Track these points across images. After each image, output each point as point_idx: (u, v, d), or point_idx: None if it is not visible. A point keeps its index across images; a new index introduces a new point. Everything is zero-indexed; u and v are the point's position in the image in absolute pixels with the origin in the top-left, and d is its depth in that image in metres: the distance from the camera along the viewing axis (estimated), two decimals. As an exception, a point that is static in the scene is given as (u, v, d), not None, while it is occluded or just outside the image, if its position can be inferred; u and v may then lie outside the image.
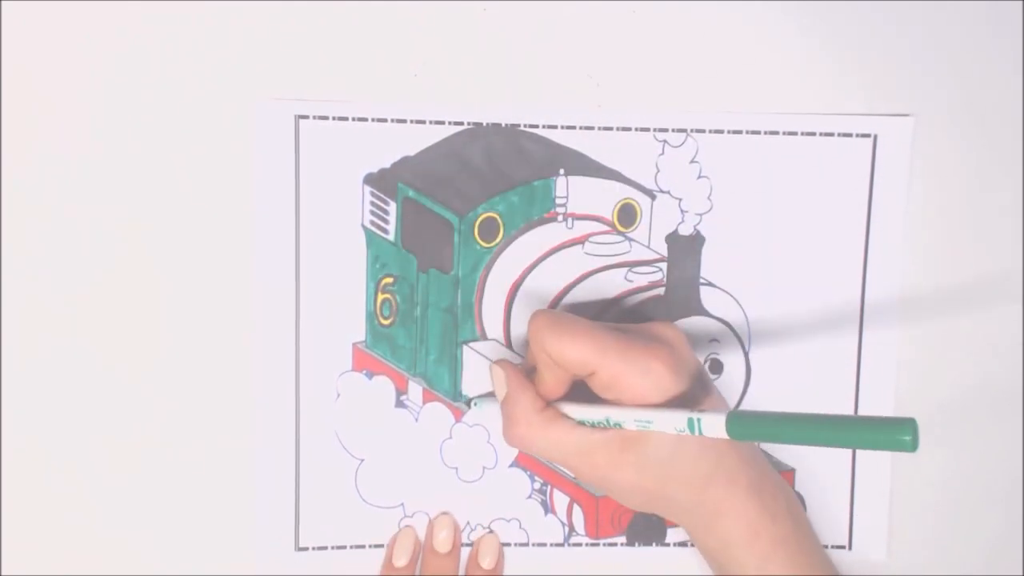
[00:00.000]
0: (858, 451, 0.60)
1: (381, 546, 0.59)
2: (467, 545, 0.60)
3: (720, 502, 0.52)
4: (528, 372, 0.54)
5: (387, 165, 0.56)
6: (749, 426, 0.46)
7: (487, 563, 0.59)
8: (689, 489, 0.51)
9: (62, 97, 0.55)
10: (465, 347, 0.58)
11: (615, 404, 0.50)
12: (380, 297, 0.58)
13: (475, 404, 0.58)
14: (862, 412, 0.60)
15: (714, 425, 0.47)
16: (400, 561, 0.58)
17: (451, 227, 0.57)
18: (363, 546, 0.59)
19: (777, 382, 0.59)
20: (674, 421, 0.48)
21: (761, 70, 0.57)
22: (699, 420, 0.47)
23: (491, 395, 0.57)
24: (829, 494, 0.60)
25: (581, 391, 0.52)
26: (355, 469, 0.59)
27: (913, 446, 0.41)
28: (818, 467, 0.60)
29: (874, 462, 0.60)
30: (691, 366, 0.52)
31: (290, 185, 0.56)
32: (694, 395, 0.51)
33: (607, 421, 0.50)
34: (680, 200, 0.58)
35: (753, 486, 0.52)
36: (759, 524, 0.52)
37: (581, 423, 0.52)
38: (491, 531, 0.60)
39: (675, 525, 0.60)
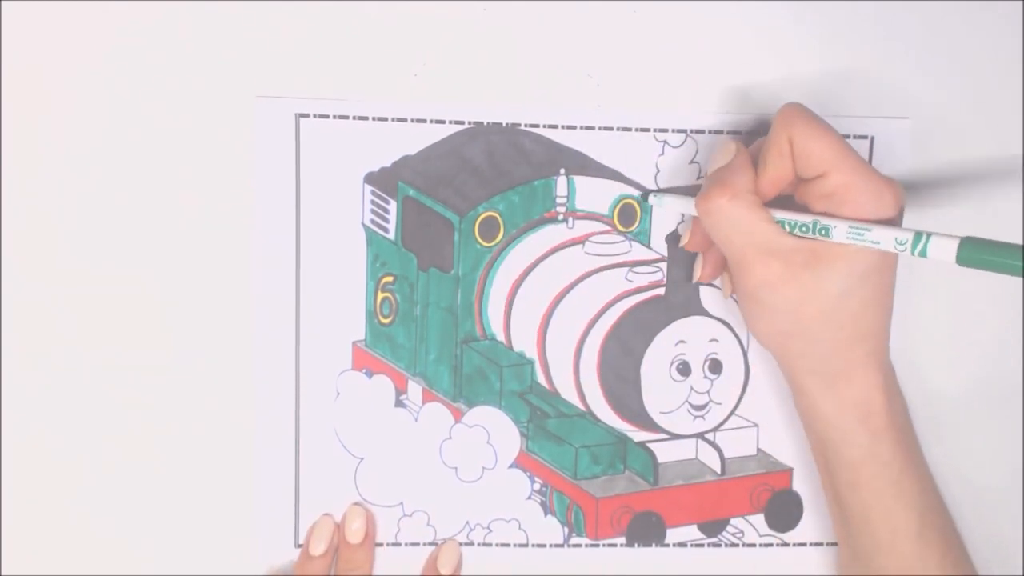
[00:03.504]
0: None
1: (380, 545, 0.59)
2: (467, 545, 0.60)
3: (855, 366, 0.52)
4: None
5: (387, 164, 0.57)
6: (984, 252, 0.44)
7: (447, 569, 0.59)
8: (840, 337, 0.51)
9: (62, 96, 0.55)
10: None
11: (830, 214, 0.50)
12: (380, 296, 0.58)
13: (654, 196, 0.57)
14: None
15: (945, 245, 0.46)
16: (316, 549, 0.58)
17: (451, 226, 0.57)
18: (363, 545, 0.59)
19: (776, 382, 0.59)
20: (897, 234, 0.47)
21: (761, 70, 0.57)
22: (928, 237, 0.46)
23: (674, 190, 0.57)
24: (829, 494, 0.60)
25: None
26: (355, 468, 0.59)
27: None
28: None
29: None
30: (901, 212, 0.51)
31: (290, 183, 0.56)
32: None
33: (813, 225, 0.49)
34: (680, 200, 0.58)
35: (887, 366, 0.53)
36: (879, 402, 0.52)
37: (780, 223, 0.50)
38: (453, 539, 0.60)
39: (676, 525, 0.60)
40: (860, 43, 0.58)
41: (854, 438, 0.52)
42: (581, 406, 0.59)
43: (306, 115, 0.56)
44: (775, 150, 0.51)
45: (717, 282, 0.58)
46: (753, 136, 0.57)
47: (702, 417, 0.60)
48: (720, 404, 0.59)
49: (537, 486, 0.60)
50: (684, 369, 0.59)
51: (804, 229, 0.50)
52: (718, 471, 0.60)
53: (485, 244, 0.57)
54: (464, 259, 0.57)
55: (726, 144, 0.52)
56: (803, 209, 0.51)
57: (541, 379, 0.59)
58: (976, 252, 0.45)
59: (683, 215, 0.58)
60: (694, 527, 0.61)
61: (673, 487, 0.60)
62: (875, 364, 0.52)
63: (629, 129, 0.57)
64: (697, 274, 0.57)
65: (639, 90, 0.57)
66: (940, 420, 0.60)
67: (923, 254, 0.46)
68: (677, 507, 0.60)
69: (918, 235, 0.46)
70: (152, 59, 0.55)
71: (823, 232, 0.49)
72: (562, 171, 0.57)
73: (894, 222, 0.49)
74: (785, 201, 0.52)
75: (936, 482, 0.55)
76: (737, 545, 0.61)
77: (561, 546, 0.60)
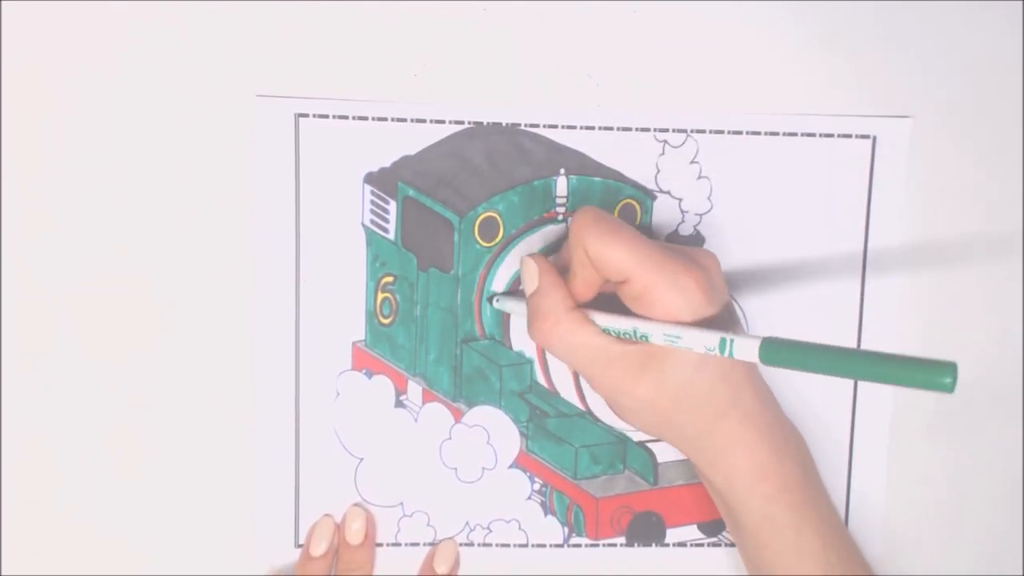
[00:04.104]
0: (855, 449, 0.60)
1: (380, 545, 0.59)
2: (467, 545, 0.60)
3: (731, 436, 0.52)
4: (560, 271, 0.53)
5: (387, 164, 0.57)
6: (783, 353, 0.45)
7: (443, 568, 0.59)
8: (702, 417, 0.51)
9: (62, 96, 0.55)
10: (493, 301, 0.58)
11: (644, 317, 0.50)
12: (380, 296, 0.58)
13: (496, 300, 0.58)
14: (860, 412, 0.60)
15: (747, 348, 0.46)
16: (317, 550, 0.58)
17: (451, 226, 0.57)
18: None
19: (775, 381, 0.59)
20: (705, 340, 0.48)
21: (761, 70, 0.57)
22: (732, 341, 0.47)
23: (513, 294, 0.57)
24: (828, 494, 0.60)
25: (608, 305, 0.52)
26: (354, 468, 0.59)
27: (951, 388, 0.40)
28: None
29: (871, 460, 0.60)
30: (722, 294, 0.51)
31: (290, 184, 0.56)
32: (722, 323, 0.50)
33: (634, 332, 0.50)
34: (680, 200, 0.58)
35: (767, 426, 0.52)
36: (767, 465, 0.52)
37: (606, 331, 0.51)
38: (451, 538, 0.60)
39: (675, 525, 0.60)
40: (860, 43, 0.58)
41: (747, 504, 0.52)
42: (581, 406, 0.59)
43: (306, 115, 0.56)
44: (576, 260, 0.51)
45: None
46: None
47: (702, 417, 0.60)
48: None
49: (537, 486, 0.60)
50: (684, 369, 0.59)
51: (627, 335, 0.50)
52: (718, 471, 0.60)
53: (485, 244, 0.57)
54: (464, 259, 0.57)
55: (527, 265, 0.53)
56: (624, 308, 0.51)
57: (541, 379, 0.59)
58: (776, 352, 0.45)
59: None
60: (694, 527, 0.61)
61: (673, 487, 0.60)
62: (756, 428, 0.52)
63: (629, 129, 0.57)
64: None
65: (639, 90, 0.57)
66: (940, 420, 0.60)
67: (731, 355, 0.47)
68: (677, 507, 0.60)
69: (723, 340, 0.47)
70: (152, 59, 0.55)
71: (643, 338, 0.50)
72: (562, 171, 0.57)
73: (702, 307, 0.49)
74: (610, 298, 0.52)
75: (847, 533, 0.55)
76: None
77: (561, 546, 0.60)
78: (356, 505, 0.59)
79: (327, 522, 0.58)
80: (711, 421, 0.51)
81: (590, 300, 0.52)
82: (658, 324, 0.49)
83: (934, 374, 0.40)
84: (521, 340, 0.58)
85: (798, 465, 0.53)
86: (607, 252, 0.49)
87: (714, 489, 0.54)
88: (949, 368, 0.40)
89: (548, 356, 0.58)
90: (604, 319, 0.51)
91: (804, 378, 0.59)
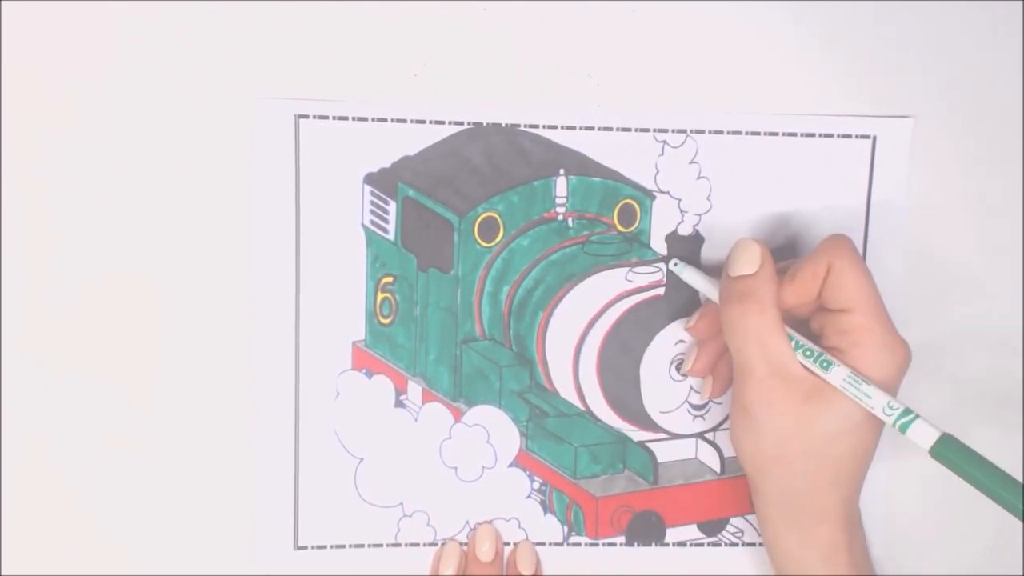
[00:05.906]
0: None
1: (380, 545, 0.59)
2: (467, 544, 0.60)
3: (827, 510, 0.52)
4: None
5: (387, 164, 0.57)
6: (954, 454, 0.47)
7: (527, 570, 0.59)
8: (817, 476, 0.51)
9: (62, 97, 0.55)
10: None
11: (836, 352, 0.51)
12: (380, 296, 0.58)
13: (675, 264, 0.57)
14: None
15: (924, 433, 0.48)
16: (447, 571, 0.58)
17: (451, 227, 0.57)
18: (362, 545, 0.59)
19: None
20: (889, 402, 0.49)
21: (761, 70, 0.57)
22: (916, 418, 0.48)
23: (697, 268, 0.57)
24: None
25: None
26: (354, 468, 0.59)
27: None
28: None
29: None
30: (901, 375, 0.52)
31: (290, 184, 0.56)
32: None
33: (821, 359, 0.50)
34: (680, 200, 0.58)
35: (855, 512, 0.54)
36: (841, 547, 0.53)
37: (790, 338, 0.51)
38: (527, 538, 0.60)
39: (675, 524, 0.60)
40: (860, 43, 0.58)
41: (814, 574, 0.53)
42: (580, 406, 0.59)
43: (305, 116, 0.56)
44: (810, 270, 0.51)
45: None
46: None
47: (702, 417, 0.60)
48: (720, 404, 0.60)
49: (537, 485, 0.60)
50: (684, 369, 0.59)
51: (808, 354, 0.51)
52: (718, 470, 0.60)
53: (485, 244, 0.57)
54: (464, 259, 0.57)
55: (747, 246, 0.52)
56: (814, 338, 0.52)
57: (541, 379, 0.59)
58: (948, 451, 0.47)
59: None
60: (694, 527, 0.61)
61: (673, 487, 0.60)
62: (845, 509, 0.53)
63: (629, 129, 0.57)
64: (707, 392, 0.58)
65: (639, 90, 0.57)
66: (940, 420, 0.60)
67: (903, 430, 0.48)
68: (677, 506, 0.60)
69: (907, 411, 0.48)
70: (152, 60, 0.55)
71: (824, 365, 0.50)
72: (562, 171, 0.57)
73: (892, 380, 0.51)
74: (798, 326, 0.53)
75: None
76: (737, 545, 0.61)
77: (561, 545, 0.60)
78: (487, 523, 0.59)
79: (453, 545, 0.59)
80: (823, 486, 0.52)
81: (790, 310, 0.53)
82: (849, 368, 0.50)
83: None
84: (521, 340, 0.58)
85: (863, 545, 0.54)
86: (853, 274, 0.50)
87: (780, 553, 0.54)
88: None
89: (548, 356, 0.58)
90: (799, 336, 0.52)
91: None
